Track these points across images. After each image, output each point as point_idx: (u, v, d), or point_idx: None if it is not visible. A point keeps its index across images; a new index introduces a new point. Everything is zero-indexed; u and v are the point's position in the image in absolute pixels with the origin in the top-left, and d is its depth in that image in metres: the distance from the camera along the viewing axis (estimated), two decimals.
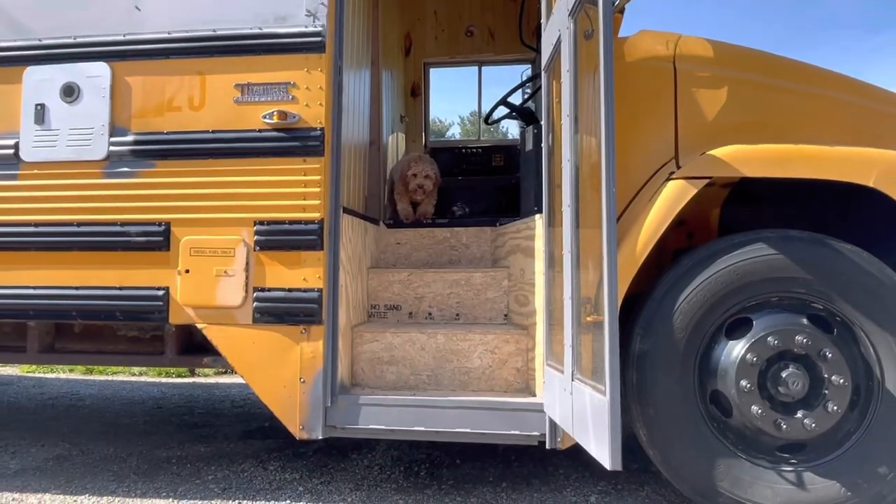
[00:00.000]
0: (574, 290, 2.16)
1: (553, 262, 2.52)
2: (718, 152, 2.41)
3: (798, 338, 2.28)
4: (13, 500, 2.62)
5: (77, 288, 2.71)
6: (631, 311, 2.47)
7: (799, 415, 2.28)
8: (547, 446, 2.43)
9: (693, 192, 2.37)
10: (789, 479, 2.29)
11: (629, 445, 2.58)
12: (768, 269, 2.32)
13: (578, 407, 1.99)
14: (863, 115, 2.68)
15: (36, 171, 2.76)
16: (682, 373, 2.33)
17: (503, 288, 3.12)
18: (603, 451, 1.68)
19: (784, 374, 2.28)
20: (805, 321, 2.32)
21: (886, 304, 2.29)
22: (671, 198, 2.38)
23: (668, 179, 2.45)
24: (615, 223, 1.86)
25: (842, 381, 2.26)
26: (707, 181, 2.40)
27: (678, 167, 2.53)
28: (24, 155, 2.76)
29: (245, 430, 3.79)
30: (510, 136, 5.42)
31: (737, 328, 2.37)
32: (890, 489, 2.26)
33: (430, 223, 3.68)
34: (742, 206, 2.77)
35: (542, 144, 2.72)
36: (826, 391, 2.27)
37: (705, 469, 2.30)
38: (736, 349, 2.33)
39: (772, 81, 2.67)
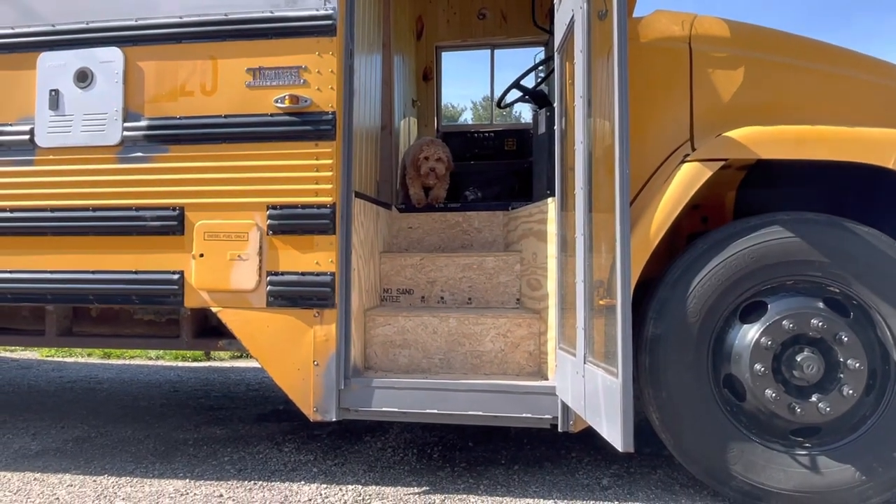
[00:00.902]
0: (586, 273, 2.15)
1: (565, 245, 2.51)
2: (734, 134, 2.38)
3: (813, 321, 2.26)
4: (35, 479, 2.68)
5: (93, 272, 2.74)
6: (644, 296, 2.46)
7: (813, 399, 2.26)
8: (559, 429, 2.44)
9: (708, 174, 2.35)
10: (803, 462, 2.28)
11: (641, 429, 2.57)
12: (784, 253, 2.30)
13: (591, 390, 2.00)
14: (884, 96, 2.62)
15: (51, 157, 2.79)
16: (695, 356, 2.32)
17: (515, 272, 3.12)
18: (615, 433, 1.68)
19: (799, 358, 2.27)
20: (821, 305, 2.30)
21: None
22: (686, 181, 2.36)
23: (683, 162, 2.43)
24: (628, 206, 1.85)
25: (857, 364, 2.24)
26: (722, 163, 2.38)
27: (693, 149, 2.51)
28: (40, 141, 2.79)
29: (260, 413, 3.83)
30: (523, 121, 5.37)
31: (751, 312, 2.35)
32: None
33: (443, 207, 3.68)
34: (758, 188, 2.74)
35: (555, 127, 2.70)
36: (841, 375, 2.26)
37: (718, 452, 2.29)
38: (750, 333, 2.31)
39: (790, 61, 2.62)
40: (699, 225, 2.77)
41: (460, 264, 3.16)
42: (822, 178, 2.71)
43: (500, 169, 4.51)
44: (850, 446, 2.27)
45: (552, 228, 2.64)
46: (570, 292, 2.38)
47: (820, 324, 2.26)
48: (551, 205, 2.68)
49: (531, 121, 4.02)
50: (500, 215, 3.53)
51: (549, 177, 2.78)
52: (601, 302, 2.06)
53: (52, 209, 2.77)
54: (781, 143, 2.38)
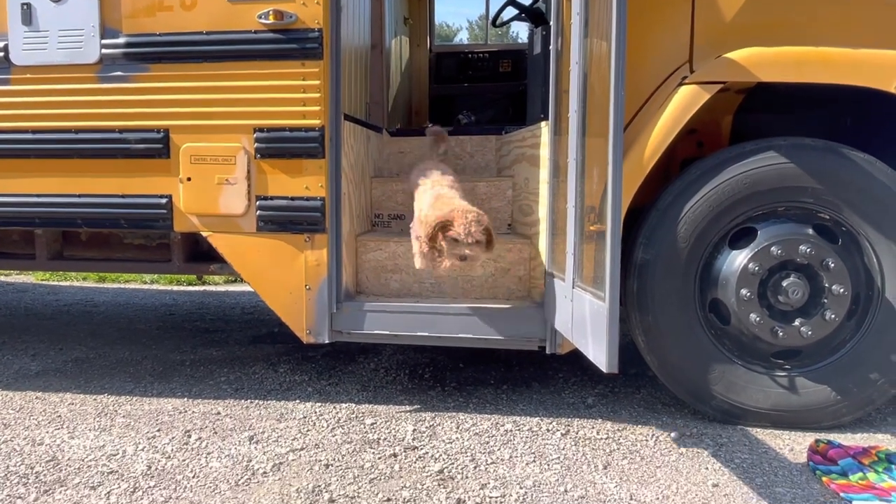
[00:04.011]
0: (578, 198, 2.13)
1: (558, 170, 2.47)
2: (734, 55, 2.31)
3: (802, 248, 2.28)
4: (36, 398, 2.75)
5: (80, 196, 2.70)
6: (635, 223, 2.45)
7: (796, 323, 2.31)
8: (547, 351, 2.50)
9: (706, 97, 2.30)
10: (782, 383, 2.36)
11: (627, 352, 2.64)
12: (778, 179, 2.28)
13: (578, 313, 2.03)
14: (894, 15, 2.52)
15: (28, 76, 2.68)
16: (683, 282, 2.35)
17: (507, 198, 3.09)
18: (600, 354, 1.72)
19: (785, 284, 2.30)
20: (810, 231, 2.31)
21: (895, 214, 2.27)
22: (682, 104, 2.31)
23: (681, 84, 2.36)
24: (622, 129, 1.81)
25: (842, 290, 2.28)
26: (721, 86, 2.31)
27: (692, 71, 2.43)
28: (15, 58, 2.68)
29: (255, 336, 3.90)
30: (520, 41, 5.18)
31: (741, 238, 2.36)
32: (879, 394, 2.33)
33: None
34: (756, 113, 2.69)
35: (551, 48, 2.60)
36: (825, 300, 2.30)
37: (700, 374, 2.36)
38: (738, 259, 2.33)
39: None
40: (694, 150, 2.73)
41: None
42: (824, 103, 2.66)
43: (494, 91, 4.39)
44: (828, 368, 2.35)
45: (545, 153, 2.60)
46: (560, 218, 2.37)
47: (808, 250, 2.27)
48: (544, 128, 2.63)
49: (527, 41, 3.88)
50: (493, 140, 3.47)
51: (543, 100, 2.71)
52: (591, 227, 2.05)
53: (34, 131, 2.70)
54: (782, 66, 2.31)
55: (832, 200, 2.28)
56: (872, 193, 2.26)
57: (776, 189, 2.29)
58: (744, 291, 2.31)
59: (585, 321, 1.92)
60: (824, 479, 1.97)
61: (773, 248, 2.29)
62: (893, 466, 2.00)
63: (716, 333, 2.40)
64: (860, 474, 1.97)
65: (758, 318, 2.31)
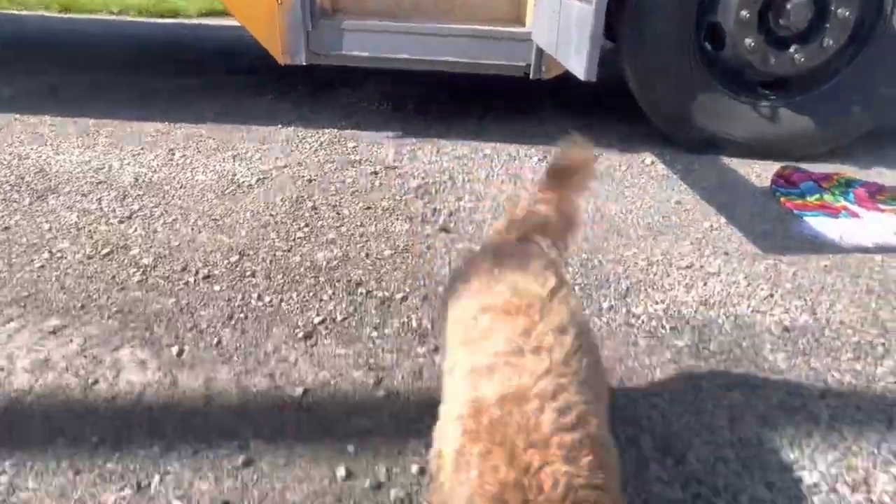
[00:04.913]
0: None
1: None
2: None
3: None
4: (15, 119, 2.72)
5: None
6: None
7: (791, 49, 2.23)
8: (531, 76, 2.43)
9: None
10: (764, 114, 2.36)
11: (610, 90, 2.58)
12: None
13: (564, 24, 1.92)
14: None
15: None
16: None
17: None
18: (580, 62, 1.67)
19: (789, 6, 2.16)
20: None
21: None
22: None
23: None
24: None
25: (847, 13, 2.15)
26: None
27: None
28: None
29: (233, 67, 3.75)
30: None
31: None
32: (855, 127, 2.35)
33: None
34: None
35: None
36: (828, 25, 2.18)
37: (685, 103, 2.34)
38: None
39: None
40: None
41: None
42: None
43: None
44: (812, 98, 2.32)
45: None
46: None
47: None
48: None
49: None
50: None
51: None
52: None
53: None
54: None
55: None
56: None
57: None
58: (744, 13, 2.17)
59: (571, 30, 1.83)
60: (782, 199, 2.08)
61: None
62: (850, 191, 2.09)
63: (707, 59, 2.31)
64: (817, 195, 2.07)
65: (752, 43, 2.21)
